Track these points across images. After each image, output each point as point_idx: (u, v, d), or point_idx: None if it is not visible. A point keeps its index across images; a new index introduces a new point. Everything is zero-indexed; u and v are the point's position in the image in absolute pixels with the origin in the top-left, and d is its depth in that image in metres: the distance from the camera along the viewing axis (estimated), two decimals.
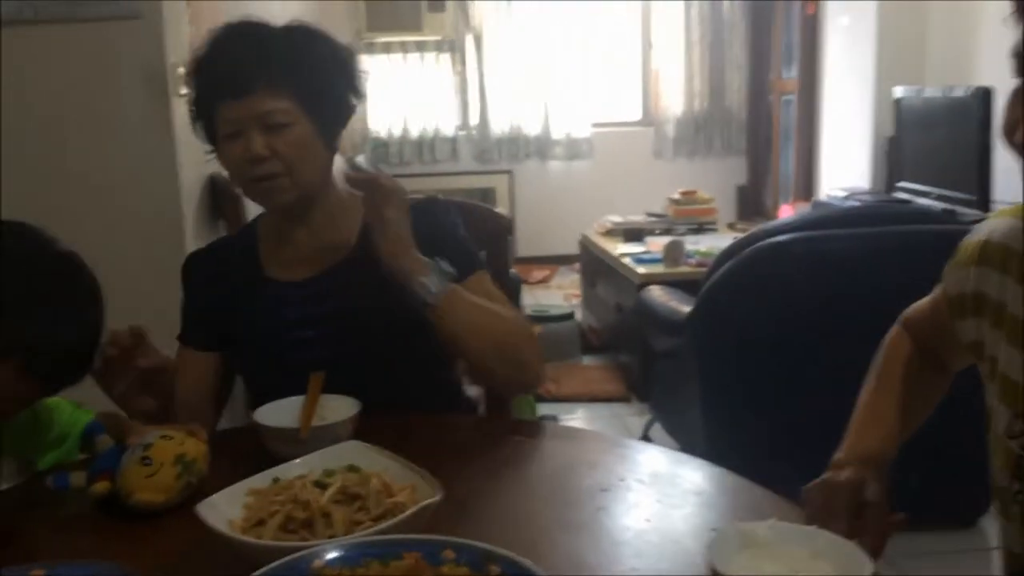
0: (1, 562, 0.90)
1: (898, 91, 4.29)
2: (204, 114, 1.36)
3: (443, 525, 0.88)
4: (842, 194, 4.48)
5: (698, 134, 6.33)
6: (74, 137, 2.32)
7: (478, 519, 1.02)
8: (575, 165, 6.35)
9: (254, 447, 1.20)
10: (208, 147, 1.40)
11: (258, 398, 1.39)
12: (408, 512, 0.88)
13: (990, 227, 1.01)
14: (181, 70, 2.43)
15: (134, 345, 1.20)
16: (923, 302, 1.15)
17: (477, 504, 1.06)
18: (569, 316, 4.37)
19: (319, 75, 1.35)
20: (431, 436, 1.33)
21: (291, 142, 1.30)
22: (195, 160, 2.54)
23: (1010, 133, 0.81)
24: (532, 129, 6.33)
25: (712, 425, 2.55)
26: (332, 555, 0.79)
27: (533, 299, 5.21)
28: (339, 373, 1.27)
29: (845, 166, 5.13)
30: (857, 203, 4.07)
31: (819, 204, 4.66)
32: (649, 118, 6.46)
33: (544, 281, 5.90)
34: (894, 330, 1.18)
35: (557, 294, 5.47)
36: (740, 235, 2.66)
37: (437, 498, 0.90)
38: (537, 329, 3.67)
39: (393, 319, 1.36)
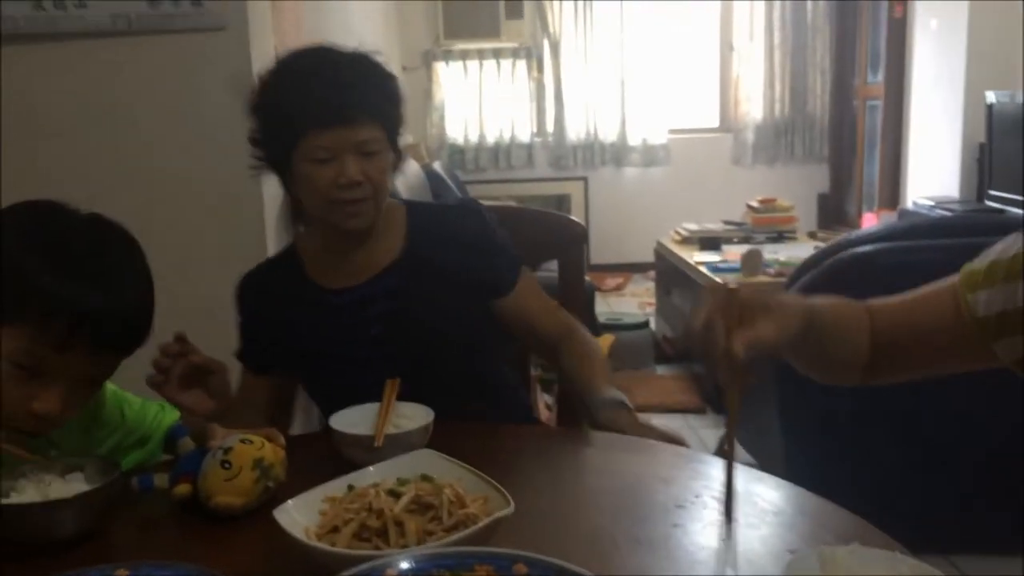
0: (85, 561, 0.93)
1: (990, 96, 4.13)
2: (283, 137, 1.39)
3: (515, 538, 0.88)
4: (929, 203, 4.34)
5: (778, 140, 6.22)
6: (159, 145, 2.38)
7: (550, 533, 1.01)
8: (651, 172, 6.29)
9: (330, 453, 1.21)
10: (256, 160, 1.46)
11: (323, 406, 1.41)
12: (481, 524, 0.87)
13: None
14: None
15: (182, 352, 1.26)
16: (894, 303, 1.07)
17: (549, 517, 1.05)
18: (643, 325, 4.32)
19: (398, 106, 1.45)
20: (503, 446, 1.33)
21: (380, 168, 1.38)
22: None
23: None
24: (608, 136, 6.30)
25: (790, 441, 2.49)
26: (404, 565, 0.80)
27: (607, 306, 5.18)
28: (399, 374, 1.32)
29: (933, 174, 4.97)
30: (946, 212, 3.93)
31: (906, 213, 4.52)
32: (728, 124, 6.38)
33: (618, 289, 5.87)
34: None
35: (631, 302, 5.43)
36: (821, 244, 2.60)
37: (510, 510, 0.90)
38: (611, 338, 3.64)
39: (445, 322, 1.43)
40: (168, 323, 2.37)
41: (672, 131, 6.28)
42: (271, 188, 2.50)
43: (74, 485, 1.05)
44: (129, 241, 1.16)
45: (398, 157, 1.46)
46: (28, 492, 1.03)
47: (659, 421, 1.42)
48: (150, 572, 0.87)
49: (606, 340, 3.66)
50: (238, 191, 2.42)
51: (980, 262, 0.99)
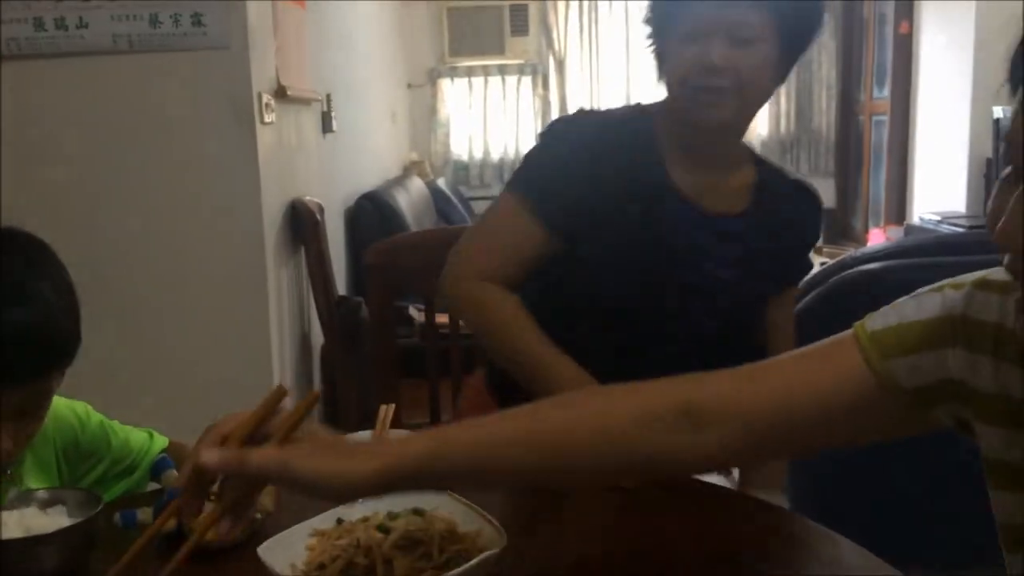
0: None
1: (997, 111, 4.10)
2: (657, 12, 1.30)
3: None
4: (936, 218, 4.30)
5: (784, 156, 6.19)
6: (160, 163, 2.38)
7: (543, 568, 0.98)
8: None
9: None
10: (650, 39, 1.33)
11: (586, 316, 1.32)
12: (470, 563, 0.84)
13: (952, 302, 0.81)
14: (267, 99, 2.47)
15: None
16: (757, 388, 0.85)
17: (543, 551, 1.02)
18: None
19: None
20: None
21: (752, 61, 1.22)
22: (277, 187, 2.59)
23: (992, 222, 0.70)
24: None
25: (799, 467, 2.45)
26: None
27: None
28: (693, 344, 1.25)
29: (939, 189, 4.93)
30: (953, 228, 3.89)
31: (912, 228, 4.48)
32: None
33: None
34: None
35: None
36: (827, 260, 2.56)
37: (500, 549, 0.86)
38: None
39: (759, 298, 1.36)
40: (166, 335, 2.37)
41: None
42: (270, 204, 2.49)
43: (56, 519, 1.01)
44: (28, 254, 1.03)
45: (788, 59, 1.28)
46: (8, 526, 1.00)
47: None
48: None
49: None
50: (236, 208, 2.41)
51: (880, 323, 0.84)
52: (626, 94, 6.18)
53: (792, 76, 5.65)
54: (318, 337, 3.01)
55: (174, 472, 1.14)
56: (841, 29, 6.06)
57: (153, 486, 1.24)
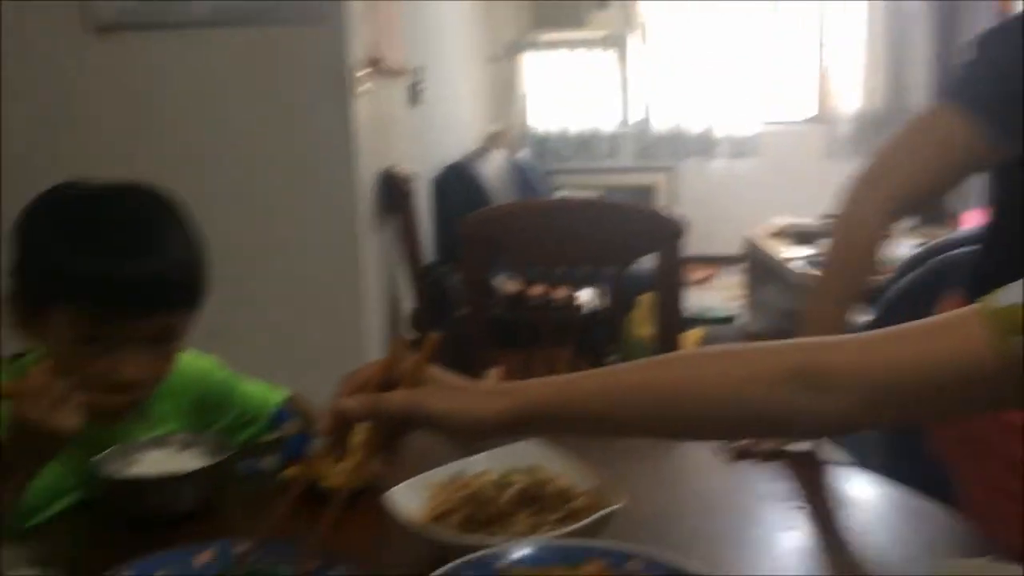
0: (199, 534, 0.96)
1: None
2: None
3: (622, 536, 0.86)
4: None
5: (877, 133, 6.02)
6: (259, 132, 2.45)
7: (657, 531, 1.00)
8: (740, 164, 6.17)
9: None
10: None
11: None
12: (591, 518, 0.87)
13: None
14: (362, 71, 2.52)
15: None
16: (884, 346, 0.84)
17: (656, 515, 1.04)
18: (731, 319, 4.26)
19: None
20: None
21: None
22: (370, 156, 2.64)
23: None
24: (695, 126, 6.20)
25: (887, 444, 2.42)
26: (517, 555, 0.79)
27: (693, 300, 5.10)
28: None
29: None
30: None
31: None
32: (822, 115, 6.20)
33: (704, 282, 5.78)
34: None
35: (718, 296, 5.34)
36: (922, 241, 2.51)
37: (619, 504, 0.89)
38: (700, 332, 3.59)
39: None
40: (259, 298, 2.45)
41: (763, 122, 6.15)
42: (363, 174, 2.55)
43: (190, 461, 1.08)
44: (158, 203, 1.14)
45: None
46: (147, 466, 1.06)
47: None
48: (267, 546, 0.89)
49: (694, 334, 3.61)
50: (331, 178, 2.47)
51: (1004, 300, 0.82)
52: (710, 67, 6.08)
53: (886, 50, 5.41)
54: (406, 303, 3.07)
55: (294, 423, 1.20)
56: (938, 4, 5.85)
57: (271, 438, 1.29)
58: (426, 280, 2.90)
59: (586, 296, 1.96)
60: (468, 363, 3.00)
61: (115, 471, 1.05)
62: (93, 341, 1.04)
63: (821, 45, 6.18)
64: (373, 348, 2.64)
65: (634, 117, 6.31)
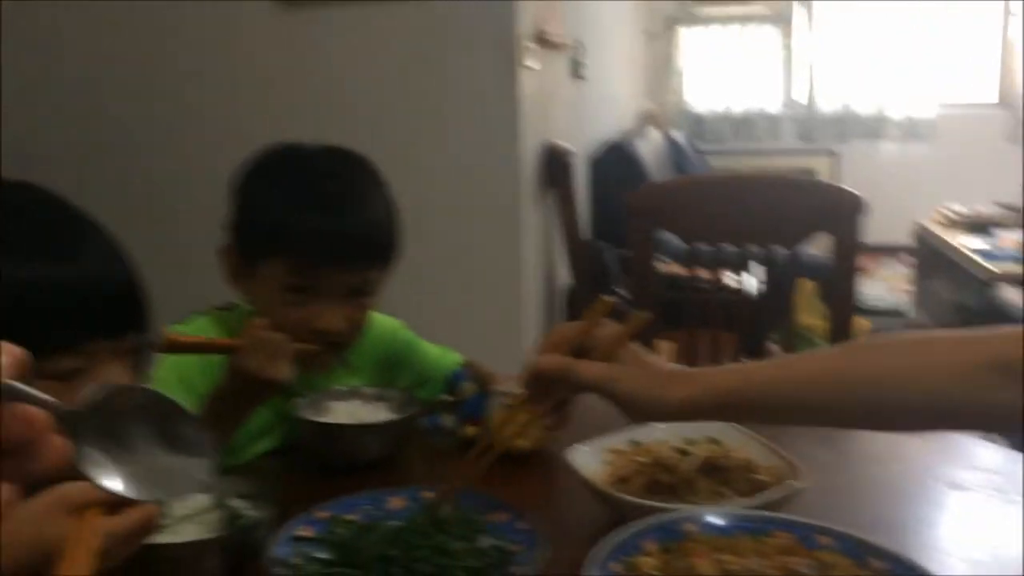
0: (385, 482, 1.01)
1: None
2: None
3: (802, 515, 0.85)
4: None
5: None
6: (428, 103, 2.51)
7: (837, 512, 0.98)
8: (912, 148, 5.85)
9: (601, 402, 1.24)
10: None
11: None
12: (777, 491, 0.86)
13: None
14: (529, 44, 2.54)
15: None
16: None
17: (835, 496, 1.02)
18: (899, 312, 4.07)
19: None
20: None
21: None
22: (533, 129, 2.67)
23: None
24: (865, 108, 5.92)
25: None
26: (704, 521, 0.80)
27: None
28: None
29: None
30: None
31: None
32: (1004, 98, 5.80)
33: (868, 271, 5.54)
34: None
35: (881, 286, 5.12)
36: None
37: (805, 483, 0.88)
38: (868, 323, 3.46)
39: None
40: (420, 265, 2.53)
41: (940, 104, 5.80)
42: (527, 146, 2.57)
43: (379, 413, 1.14)
44: (364, 166, 1.22)
45: None
46: (340, 415, 1.13)
47: None
48: (456, 499, 0.93)
49: (863, 324, 3.47)
50: (495, 149, 2.51)
51: None
52: (881, 46, 5.78)
53: None
54: (562, 280, 3.09)
55: (470, 384, 1.24)
56: None
57: (447, 399, 1.34)
58: (584, 257, 2.91)
59: (747, 279, 1.91)
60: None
61: (312, 416, 1.12)
62: (298, 292, 1.12)
63: (1005, 23, 5.77)
64: (530, 322, 2.67)
65: (798, 96, 6.09)
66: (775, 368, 0.86)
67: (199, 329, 1.18)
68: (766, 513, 0.81)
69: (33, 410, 0.41)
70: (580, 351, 0.86)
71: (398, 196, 2.55)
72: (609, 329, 0.87)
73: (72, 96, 2.69)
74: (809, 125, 6.06)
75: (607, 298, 1.15)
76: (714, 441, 0.99)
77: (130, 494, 0.47)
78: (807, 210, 1.70)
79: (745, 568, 0.73)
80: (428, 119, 2.54)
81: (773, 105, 6.11)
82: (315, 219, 1.12)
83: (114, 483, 0.46)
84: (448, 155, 2.54)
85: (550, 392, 0.87)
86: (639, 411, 0.84)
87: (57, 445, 0.42)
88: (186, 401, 1.09)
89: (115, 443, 0.46)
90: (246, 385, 1.04)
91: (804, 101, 6.06)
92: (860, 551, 0.75)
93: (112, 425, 0.46)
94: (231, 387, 1.04)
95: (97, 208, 0.87)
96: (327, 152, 1.21)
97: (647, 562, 0.75)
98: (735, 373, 0.85)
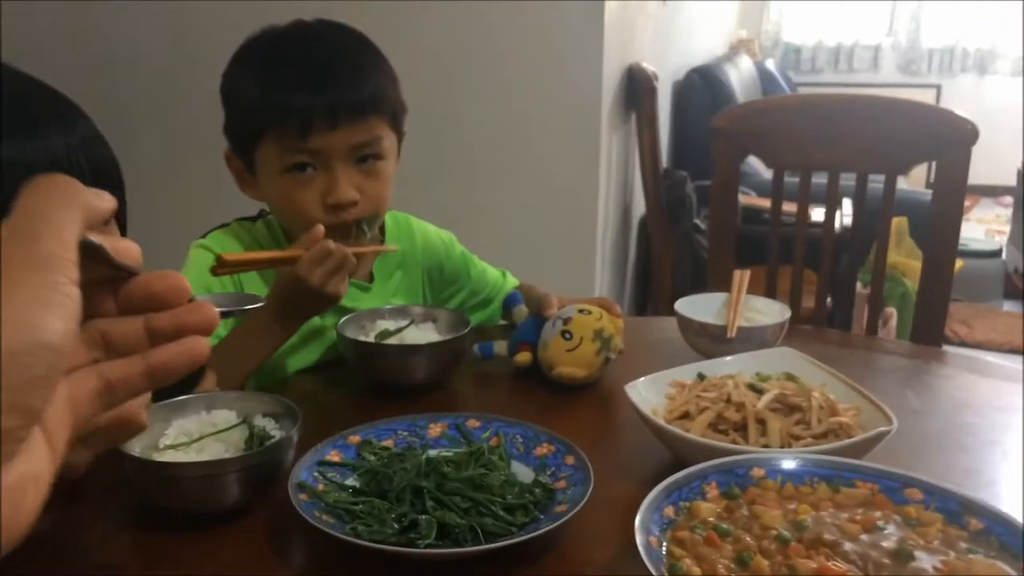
0: (433, 406, 0.95)
1: None
2: None
3: (884, 461, 0.75)
4: None
5: None
6: (511, 18, 2.39)
7: (921, 458, 0.88)
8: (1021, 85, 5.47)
9: (672, 336, 1.15)
10: None
11: None
12: (861, 436, 0.76)
13: None
14: None
15: None
16: None
17: (916, 441, 0.91)
18: (994, 254, 3.83)
19: None
20: (858, 357, 1.19)
21: None
22: (618, 48, 2.53)
23: None
24: (974, 40, 5.53)
25: None
26: (775, 466, 0.71)
27: None
28: None
29: None
30: None
31: None
32: None
33: (964, 211, 5.24)
34: None
35: (978, 227, 4.84)
36: None
37: (892, 427, 0.77)
38: (960, 263, 3.26)
39: None
40: (498, 187, 2.45)
41: None
42: (610, 67, 2.44)
43: (427, 334, 1.07)
44: (340, 33, 1.12)
45: None
46: (384, 334, 1.06)
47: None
48: (500, 427, 0.85)
49: (956, 265, 3.27)
50: (579, 65, 2.39)
51: None
52: None
53: None
54: (638, 209, 2.97)
55: (524, 308, 1.16)
56: None
57: (502, 323, 1.27)
58: (662, 186, 2.78)
59: (835, 214, 1.77)
60: (701, 274, 2.89)
61: (356, 335, 1.05)
62: (300, 171, 1.05)
63: None
64: (606, 250, 2.58)
65: (901, 29, 5.72)
66: None
67: (221, 243, 1.12)
68: (847, 460, 0.71)
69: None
70: None
71: (479, 116, 2.47)
72: None
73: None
74: (911, 57, 5.71)
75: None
76: (790, 377, 0.89)
77: None
78: (915, 136, 1.54)
79: (819, 521, 0.64)
80: (511, 36, 2.43)
81: (874, 36, 5.77)
82: (284, 89, 1.04)
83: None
84: (530, 74, 2.43)
85: None
86: None
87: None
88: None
89: None
90: (302, 299, 0.99)
91: (908, 33, 5.70)
92: (954, 507, 0.65)
93: None
94: (284, 298, 1.00)
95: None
96: (299, 28, 1.11)
97: (706, 508, 0.67)
98: None
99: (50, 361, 0.32)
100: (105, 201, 0.37)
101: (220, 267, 0.90)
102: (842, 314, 2.59)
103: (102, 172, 0.77)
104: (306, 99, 1.03)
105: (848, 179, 1.63)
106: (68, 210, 0.35)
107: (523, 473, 0.79)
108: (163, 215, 2.21)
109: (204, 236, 1.14)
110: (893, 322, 2.72)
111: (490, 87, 2.44)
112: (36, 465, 0.33)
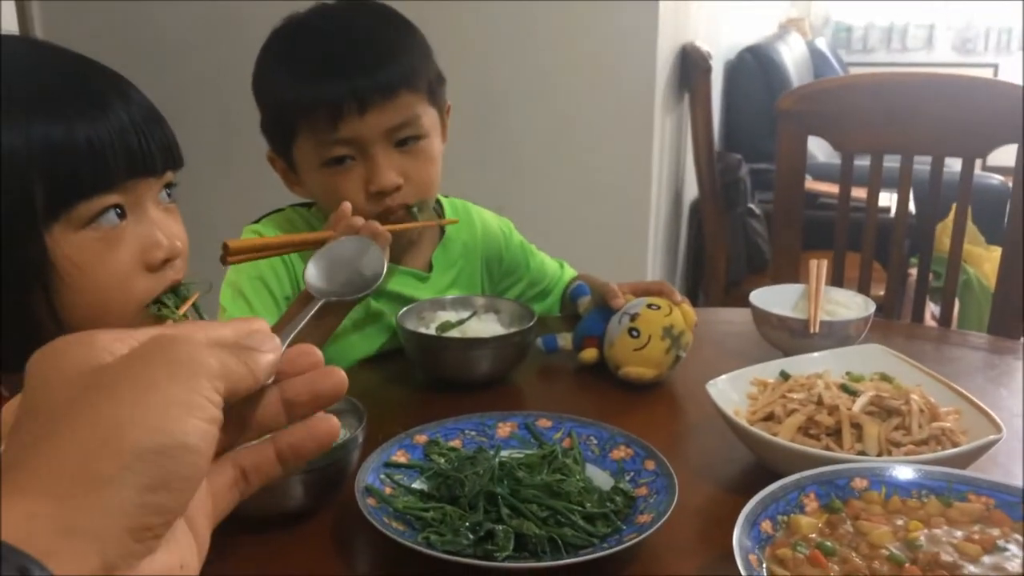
0: (496, 402, 0.91)
1: None
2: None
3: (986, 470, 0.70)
4: None
5: None
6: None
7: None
8: None
9: (741, 329, 1.09)
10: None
11: None
12: (973, 444, 0.70)
13: None
14: None
15: None
16: None
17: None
18: None
19: None
20: (944, 354, 1.13)
21: None
22: (672, 27, 2.45)
23: None
24: None
25: None
26: (879, 476, 0.65)
27: None
28: None
29: None
30: None
31: None
32: None
33: None
34: None
35: None
36: None
37: (1003, 434, 0.72)
38: None
39: None
40: (550, 169, 2.40)
41: None
42: (664, 46, 2.37)
43: (490, 326, 1.02)
44: (394, 17, 1.07)
45: None
46: (446, 326, 1.02)
47: None
48: (573, 427, 0.81)
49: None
50: (633, 44, 2.32)
51: None
52: None
53: None
54: (690, 192, 2.90)
55: (588, 299, 1.11)
56: None
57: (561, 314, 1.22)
58: (715, 168, 2.70)
59: (908, 199, 1.69)
60: (754, 260, 2.81)
61: (416, 327, 1.01)
62: (339, 163, 1.01)
63: None
64: (659, 234, 2.52)
65: (955, 7, 5.55)
66: None
67: (273, 228, 1.08)
68: (958, 471, 0.66)
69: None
70: None
71: (530, 99, 2.42)
72: None
73: None
74: (967, 35, 5.53)
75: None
76: (885, 377, 0.83)
77: None
78: (1000, 118, 1.46)
79: (934, 540, 0.59)
80: (564, 16, 2.37)
81: (928, 14, 5.60)
82: (306, 80, 1.00)
83: None
84: (583, 53, 2.37)
85: None
86: None
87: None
88: (266, 305, 1.02)
89: None
90: None
91: (962, 11, 5.52)
92: None
93: None
94: None
95: None
96: (319, 13, 1.06)
97: (807, 523, 0.62)
98: None
99: (192, 461, 0.32)
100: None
101: (229, 256, 0.86)
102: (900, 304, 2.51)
103: (167, 148, 0.74)
104: (330, 87, 0.99)
105: (920, 163, 1.55)
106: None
107: (600, 478, 0.74)
108: (216, 201, 2.19)
109: (257, 221, 1.11)
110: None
111: (542, 68, 2.39)
112: (181, 556, 0.34)
